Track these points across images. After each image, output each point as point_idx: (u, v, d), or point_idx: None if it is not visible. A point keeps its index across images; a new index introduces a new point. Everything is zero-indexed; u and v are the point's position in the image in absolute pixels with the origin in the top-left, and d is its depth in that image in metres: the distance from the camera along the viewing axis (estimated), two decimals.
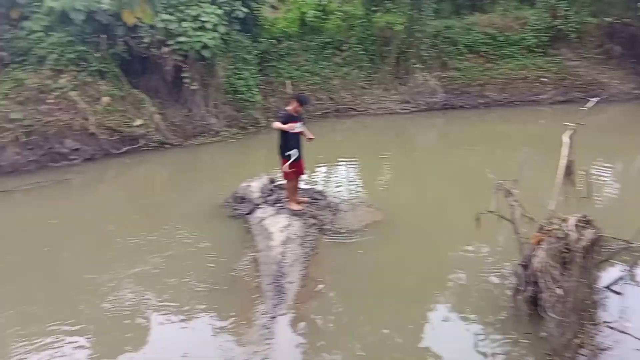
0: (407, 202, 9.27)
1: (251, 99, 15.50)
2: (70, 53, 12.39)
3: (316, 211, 7.95)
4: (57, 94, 12.14)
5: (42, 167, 11.74)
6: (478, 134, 15.65)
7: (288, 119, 7.55)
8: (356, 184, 10.92)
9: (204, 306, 5.90)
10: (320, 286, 6.08)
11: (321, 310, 5.74)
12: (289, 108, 7.78)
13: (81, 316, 5.75)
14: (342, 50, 18.55)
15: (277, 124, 7.47)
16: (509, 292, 5.75)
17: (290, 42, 18.59)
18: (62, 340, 5.28)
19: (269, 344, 5.00)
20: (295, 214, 7.70)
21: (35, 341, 5.25)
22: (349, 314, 5.67)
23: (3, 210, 9.67)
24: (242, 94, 15.27)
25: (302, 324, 5.42)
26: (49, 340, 5.27)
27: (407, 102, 18.20)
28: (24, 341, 5.27)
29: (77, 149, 12.17)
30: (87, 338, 5.33)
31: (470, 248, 7.24)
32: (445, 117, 17.75)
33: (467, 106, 18.42)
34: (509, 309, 5.50)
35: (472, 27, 19.03)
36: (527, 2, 20.56)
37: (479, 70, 18.51)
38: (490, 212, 5.50)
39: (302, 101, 7.79)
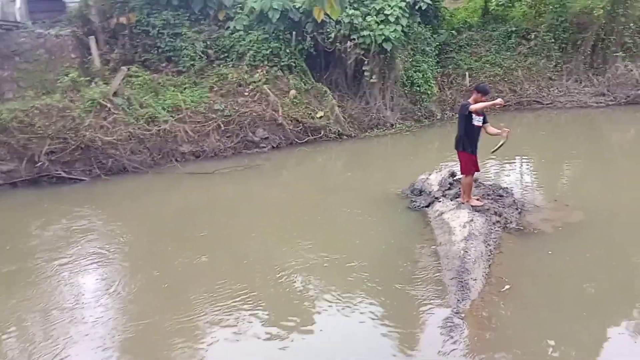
0: (600, 205, 8.34)
1: (428, 92, 15.35)
2: (265, 49, 13.60)
3: (501, 208, 7.57)
4: (252, 87, 13.40)
5: (237, 153, 13.06)
6: None
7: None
8: (540, 183, 10.13)
9: (379, 295, 5.94)
10: (507, 287, 5.77)
11: (492, 310, 5.44)
12: (470, 100, 7.51)
13: (258, 293, 6.10)
14: (528, 40, 17.36)
15: (477, 105, 7.17)
16: None
17: (471, 33, 17.96)
18: (238, 312, 5.70)
19: (451, 338, 4.91)
20: (476, 209, 7.43)
21: (215, 309, 5.76)
22: (519, 320, 5.29)
23: (204, 189, 10.96)
24: (419, 86, 15.20)
25: (470, 323, 5.19)
26: (226, 311, 5.73)
27: (603, 94, 16.43)
28: (205, 305, 5.84)
29: (266, 138, 13.31)
30: (260, 314, 5.66)
31: None
32: None
33: None
34: None
35: None
36: None
37: None
38: None
39: (482, 91, 7.39)
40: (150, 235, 8.35)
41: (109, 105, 11.84)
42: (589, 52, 16.62)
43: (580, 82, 16.76)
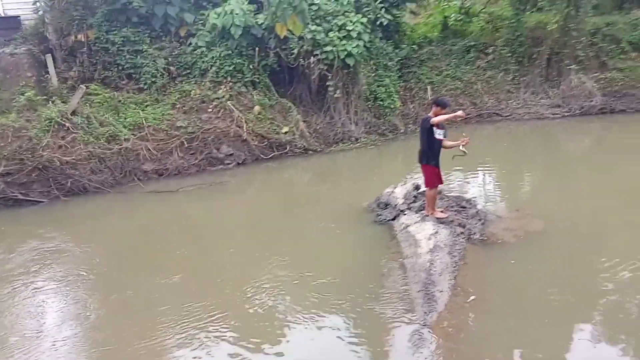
0: (559, 213, 8.58)
1: (391, 106, 15.55)
2: (228, 66, 13.54)
3: (464, 220, 7.69)
4: (216, 103, 13.31)
5: (201, 171, 12.90)
6: None
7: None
8: (501, 193, 10.37)
9: (348, 309, 5.93)
10: (472, 297, 5.84)
11: (459, 321, 5.49)
12: (431, 114, 7.60)
13: (228, 313, 6.03)
14: (486, 54, 17.85)
15: (439, 118, 7.22)
16: None
17: (432, 47, 18.34)
18: (208, 332, 5.62)
19: (420, 352, 4.92)
20: (441, 221, 7.52)
21: (183, 330, 5.67)
22: (486, 329, 5.37)
23: (168, 208, 10.78)
24: (382, 100, 15.38)
25: (438, 335, 5.22)
26: (195, 332, 5.65)
27: (558, 106, 16.95)
28: (174, 327, 5.74)
29: (231, 154, 13.19)
30: (229, 333, 5.60)
31: (626, 268, 6.46)
32: (602, 122, 16.19)
33: (630, 110, 16.63)
34: None
35: (639, 23, 17.09)
36: None
37: None
38: None
39: (441, 104, 7.41)
40: (118, 257, 8.16)
41: (67, 124, 11.55)
42: (544, 66, 17.16)
43: (537, 95, 17.27)
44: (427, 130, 7.43)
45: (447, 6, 20.19)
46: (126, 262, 7.90)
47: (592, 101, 16.60)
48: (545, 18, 17.02)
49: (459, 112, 7.40)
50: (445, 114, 7.35)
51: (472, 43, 18.20)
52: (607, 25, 17.24)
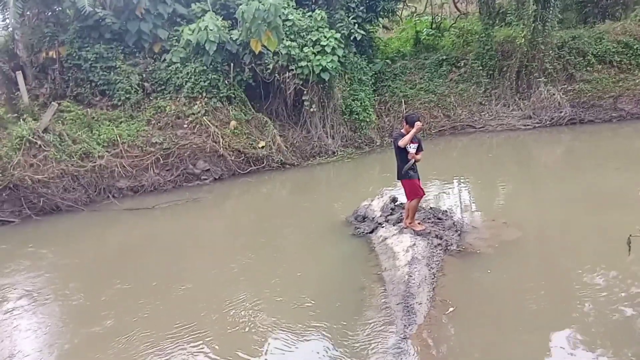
0: (533, 222, 8.78)
1: (366, 119, 15.72)
2: (203, 81, 13.50)
3: (441, 231, 7.77)
4: (191, 119, 13.24)
5: (177, 187, 12.79)
6: (610, 150, 14.40)
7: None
8: (476, 204, 10.52)
9: (328, 324, 5.91)
10: (451, 309, 5.89)
11: (439, 333, 5.52)
12: (403, 130, 7.71)
13: (205, 329, 5.98)
14: (458, 67, 18.19)
15: (404, 140, 7.35)
16: None
17: (405, 62, 18.62)
18: (188, 355, 5.53)
19: None
20: (419, 234, 7.59)
21: (159, 349, 5.62)
22: (465, 341, 5.40)
23: (145, 225, 10.65)
24: (358, 114, 15.54)
25: (418, 347, 5.24)
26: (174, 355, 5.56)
27: (529, 117, 17.35)
28: (150, 347, 5.67)
29: (207, 170, 13.12)
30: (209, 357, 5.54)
31: (599, 273, 6.63)
32: (572, 133, 16.60)
33: (598, 120, 17.12)
34: None
35: (603, 36, 17.69)
36: None
37: (612, 82, 17.15)
38: None
39: (409, 122, 7.52)
40: (96, 276, 8.00)
41: (39, 142, 11.35)
42: (514, 78, 17.57)
43: (508, 106, 17.65)
44: (398, 148, 7.54)
45: (418, 21, 20.58)
46: (105, 282, 7.71)
47: (561, 112, 17.04)
48: (513, 32, 17.46)
49: (417, 125, 7.30)
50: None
51: (444, 57, 18.55)
52: (573, 38, 17.77)
